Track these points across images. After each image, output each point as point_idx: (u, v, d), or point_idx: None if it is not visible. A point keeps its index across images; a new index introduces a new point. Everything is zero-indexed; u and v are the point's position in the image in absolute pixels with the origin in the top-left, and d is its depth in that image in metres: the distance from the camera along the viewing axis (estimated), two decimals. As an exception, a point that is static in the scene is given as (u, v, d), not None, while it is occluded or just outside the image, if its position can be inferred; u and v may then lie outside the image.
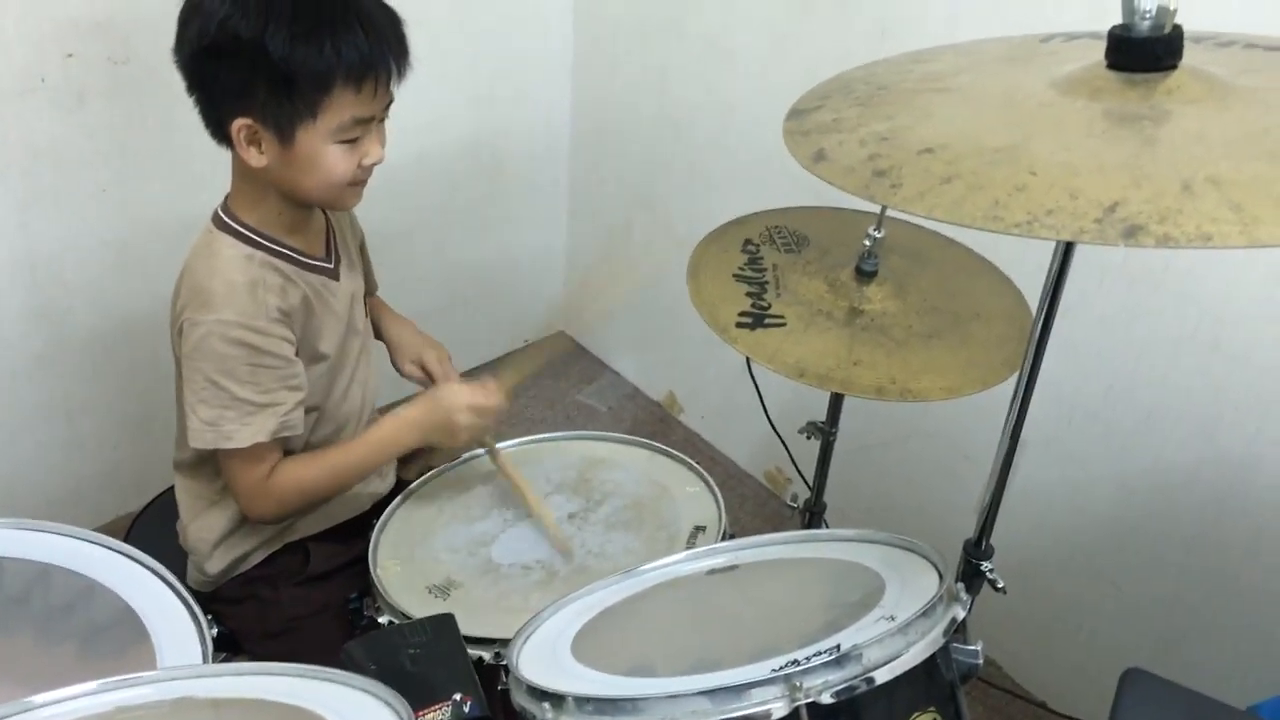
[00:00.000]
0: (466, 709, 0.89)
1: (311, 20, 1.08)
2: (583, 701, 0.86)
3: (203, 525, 1.30)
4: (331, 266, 1.29)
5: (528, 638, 1.04)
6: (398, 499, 1.37)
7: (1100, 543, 1.66)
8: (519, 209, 2.43)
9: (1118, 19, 0.84)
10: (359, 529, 1.34)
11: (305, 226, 1.26)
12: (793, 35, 1.82)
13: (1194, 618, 1.57)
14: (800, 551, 1.15)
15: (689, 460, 1.40)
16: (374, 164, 1.19)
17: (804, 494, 1.63)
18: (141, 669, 0.87)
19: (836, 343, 1.24)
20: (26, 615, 0.99)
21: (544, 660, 0.99)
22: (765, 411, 1.57)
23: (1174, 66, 0.83)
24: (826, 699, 0.82)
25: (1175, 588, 1.57)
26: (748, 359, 1.25)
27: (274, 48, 1.07)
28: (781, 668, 0.83)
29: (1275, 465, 1.42)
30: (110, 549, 1.04)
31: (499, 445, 1.40)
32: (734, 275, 1.34)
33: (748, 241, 1.40)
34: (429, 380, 1.46)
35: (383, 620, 1.19)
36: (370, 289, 1.47)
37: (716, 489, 1.33)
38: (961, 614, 0.92)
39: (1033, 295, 1.09)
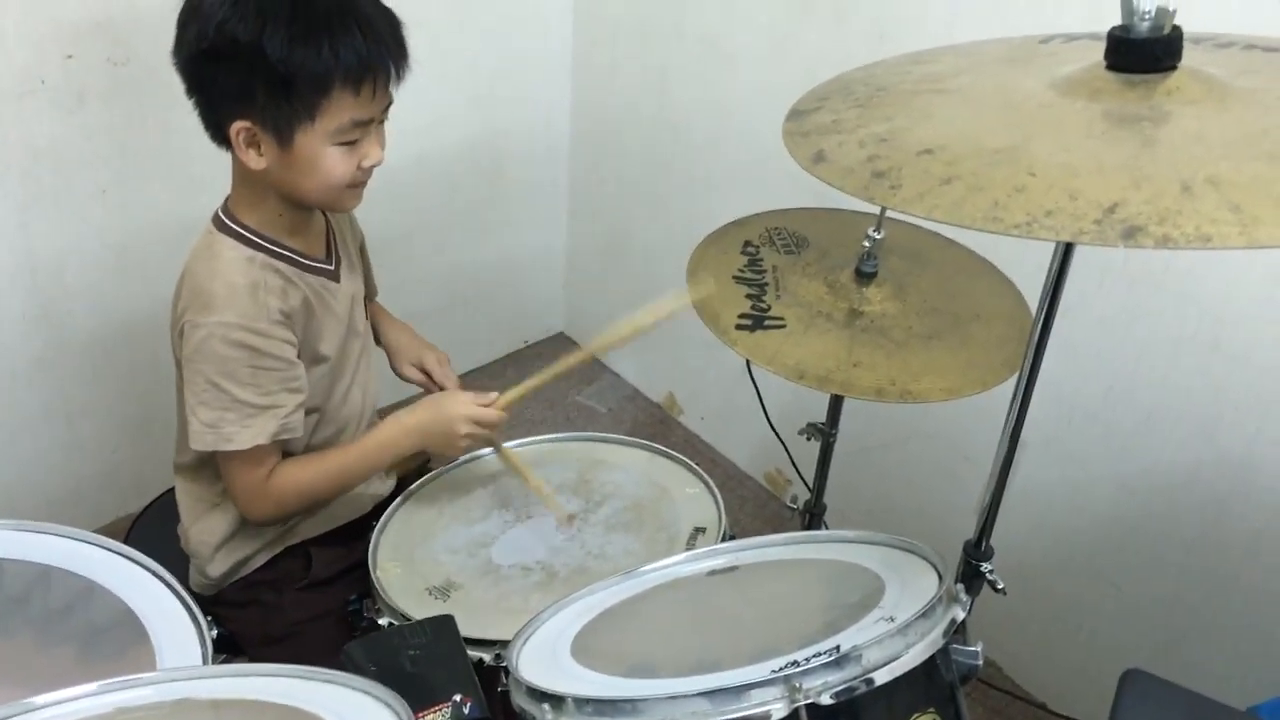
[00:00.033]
0: (466, 710, 0.89)
1: (309, 22, 1.07)
2: (582, 703, 0.86)
3: (204, 528, 1.30)
4: (332, 268, 1.29)
5: (527, 639, 1.04)
6: (397, 500, 1.37)
7: (1100, 543, 1.66)
8: (519, 210, 2.43)
9: (1117, 20, 0.84)
10: (360, 531, 1.34)
11: (305, 228, 1.26)
12: (792, 36, 1.82)
13: (1194, 618, 1.57)
14: (800, 553, 1.15)
15: (689, 462, 1.40)
16: (373, 165, 1.19)
17: (804, 495, 1.63)
18: (141, 670, 0.88)
19: (836, 344, 1.24)
20: (26, 616, 0.99)
21: (544, 661, 0.99)
22: (765, 413, 1.57)
23: (1173, 67, 0.83)
24: (826, 700, 0.82)
25: (1175, 588, 1.57)
26: (747, 361, 1.25)
27: (272, 50, 1.07)
28: (781, 669, 0.83)
29: (1275, 466, 1.42)
30: (110, 550, 1.04)
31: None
32: (734, 277, 1.34)
33: (747, 243, 1.40)
34: (429, 382, 1.46)
35: (383, 622, 1.19)
36: (370, 293, 1.47)
37: (716, 490, 1.33)
38: (961, 615, 0.92)
39: (1032, 296, 1.09)
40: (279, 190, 1.19)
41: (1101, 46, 0.86)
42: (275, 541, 1.32)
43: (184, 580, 1.06)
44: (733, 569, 1.12)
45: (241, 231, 1.20)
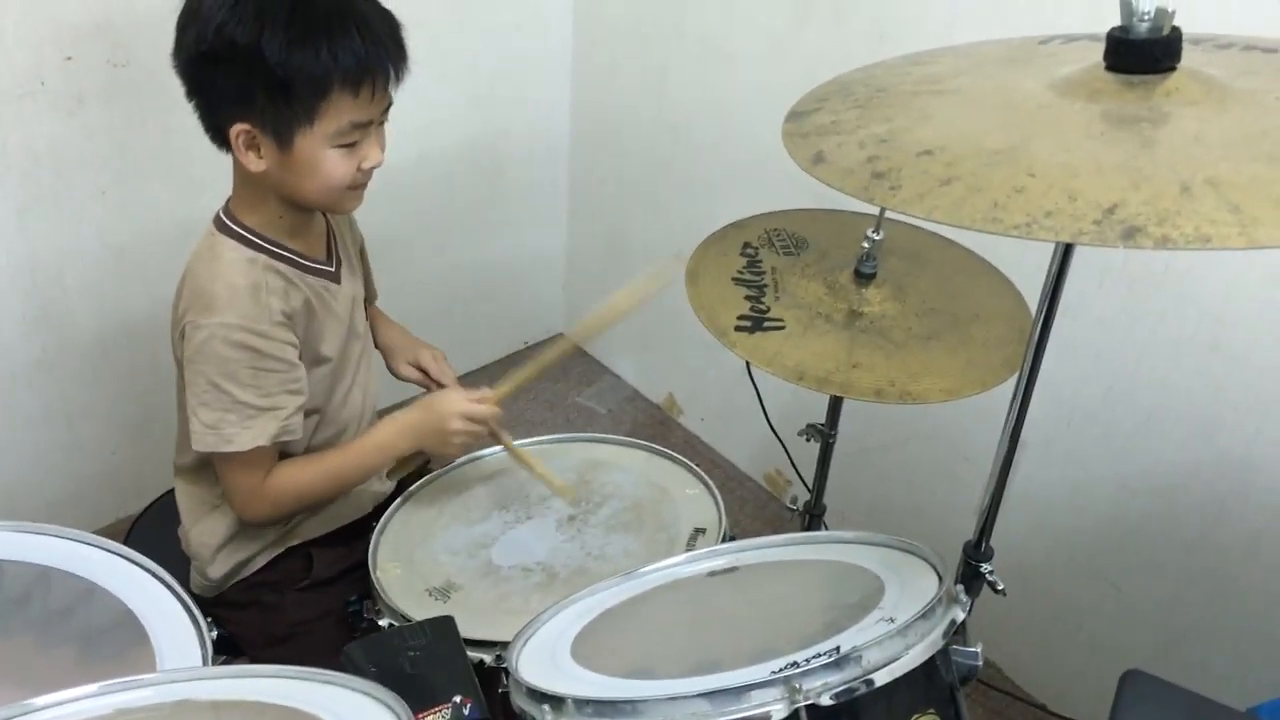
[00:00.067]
0: (466, 711, 0.89)
1: (307, 25, 1.07)
2: (582, 704, 0.87)
3: (204, 530, 1.30)
4: (332, 270, 1.29)
5: (527, 640, 1.04)
6: (398, 501, 1.37)
7: (1100, 544, 1.66)
8: (518, 211, 2.43)
9: (1116, 21, 0.84)
10: (361, 532, 1.34)
11: (306, 230, 1.26)
12: (791, 37, 1.82)
13: (1194, 619, 1.57)
14: (800, 553, 1.15)
15: (689, 463, 1.40)
16: (373, 167, 1.19)
17: (804, 496, 1.63)
18: (141, 671, 0.88)
19: (836, 345, 1.24)
20: (26, 618, 0.99)
21: (544, 662, 0.99)
22: (765, 414, 1.57)
23: (1172, 68, 0.84)
24: (826, 701, 0.82)
25: (1175, 589, 1.57)
26: (747, 362, 1.25)
27: (270, 53, 1.07)
28: (781, 669, 0.84)
29: (1275, 466, 1.42)
30: (110, 552, 1.05)
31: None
32: (733, 278, 1.34)
33: (747, 244, 1.41)
34: (426, 380, 1.46)
35: (383, 623, 1.19)
36: (370, 296, 1.47)
37: (716, 491, 1.33)
38: (961, 616, 0.92)
39: (1032, 296, 1.09)
40: (279, 192, 1.19)
41: (1101, 47, 0.86)
42: (276, 542, 1.32)
43: (184, 582, 1.06)
44: (732, 570, 1.12)
45: (243, 233, 1.20)
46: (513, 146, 2.32)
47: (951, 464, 1.82)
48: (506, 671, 0.98)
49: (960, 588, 0.95)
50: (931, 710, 0.88)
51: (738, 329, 1.26)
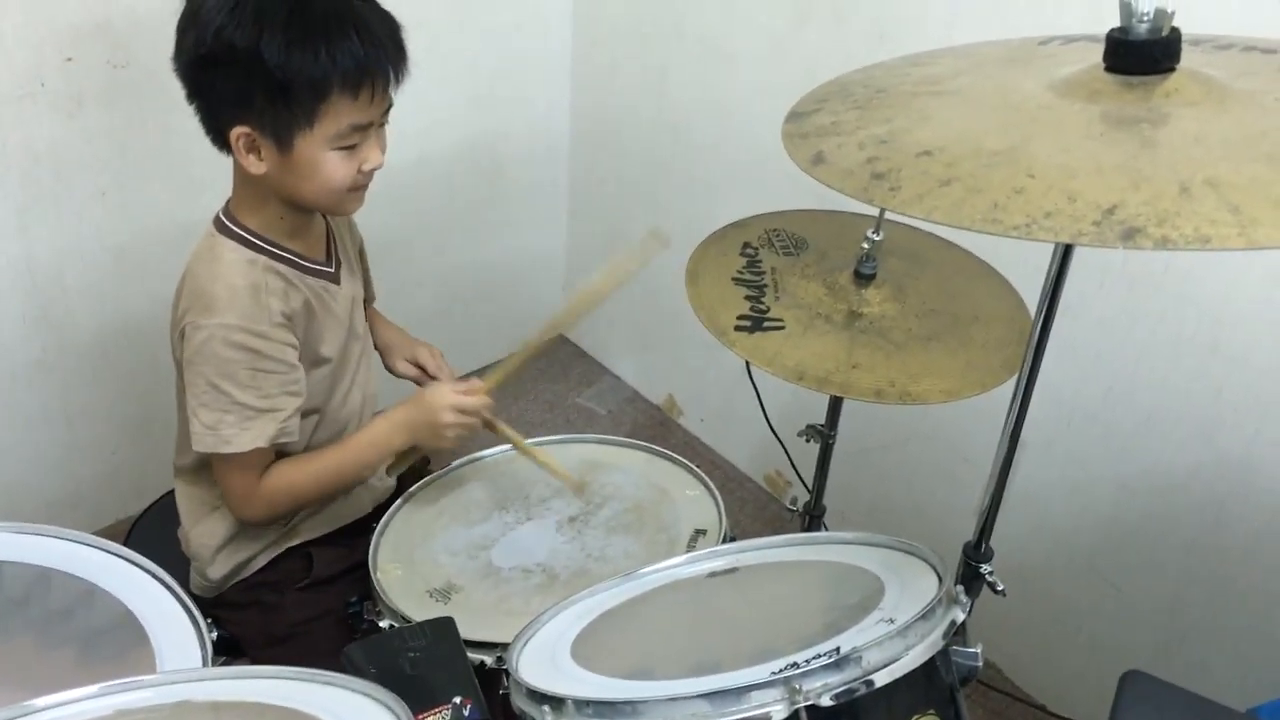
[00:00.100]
0: (466, 712, 0.89)
1: (306, 28, 1.07)
2: (582, 704, 0.87)
3: (204, 531, 1.30)
4: (332, 270, 1.29)
5: (528, 641, 1.04)
6: (398, 502, 1.37)
7: (1100, 545, 1.66)
8: (518, 211, 2.43)
9: (1116, 22, 0.84)
10: (361, 531, 1.34)
11: (306, 231, 1.26)
12: (791, 38, 1.82)
13: (1193, 619, 1.57)
14: (800, 554, 1.15)
15: (689, 464, 1.40)
16: (374, 169, 1.19)
17: (804, 497, 1.63)
18: (141, 672, 0.88)
19: (835, 346, 1.24)
20: (26, 619, 0.99)
21: (544, 663, 0.99)
22: (765, 415, 1.57)
23: (1172, 69, 0.84)
24: (826, 701, 0.82)
25: (1175, 589, 1.57)
26: (747, 362, 1.25)
27: (269, 56, 1.07)
28: (781, 670, 0.84)
29: (1274, 467, 1.42)
30: (110, 553, 1.05)
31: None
32: (733, 278, 1.34)
33: (746, 244, 1.41)
34: (423, 376, 1.46)
35: (383, 624, 1.19)
36: (369, 298, 1.47)
37: (717, 492, 1.33)
38: (961, 616, 0.92)
39: (1032, 297, 1.09)
40: (280, 194, 1.19)
41: (1100, 48, 0.86)
42: (276, 543, 1.32)
43: (184, 582, 1.06)
44: (732, 571, 1.12)
45: (242, 234, 1.20)
46: (513, 147, 2.32)
47: (951, 465, 1.82)
48: (507, 673, 0.98)
49: (960, 588, 0.95)
50: (931, 711, 0.88)
51: (738, 329, 1.26)
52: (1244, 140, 0.76)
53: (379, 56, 1.12)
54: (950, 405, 1.21)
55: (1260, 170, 0.72)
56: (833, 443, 1.53)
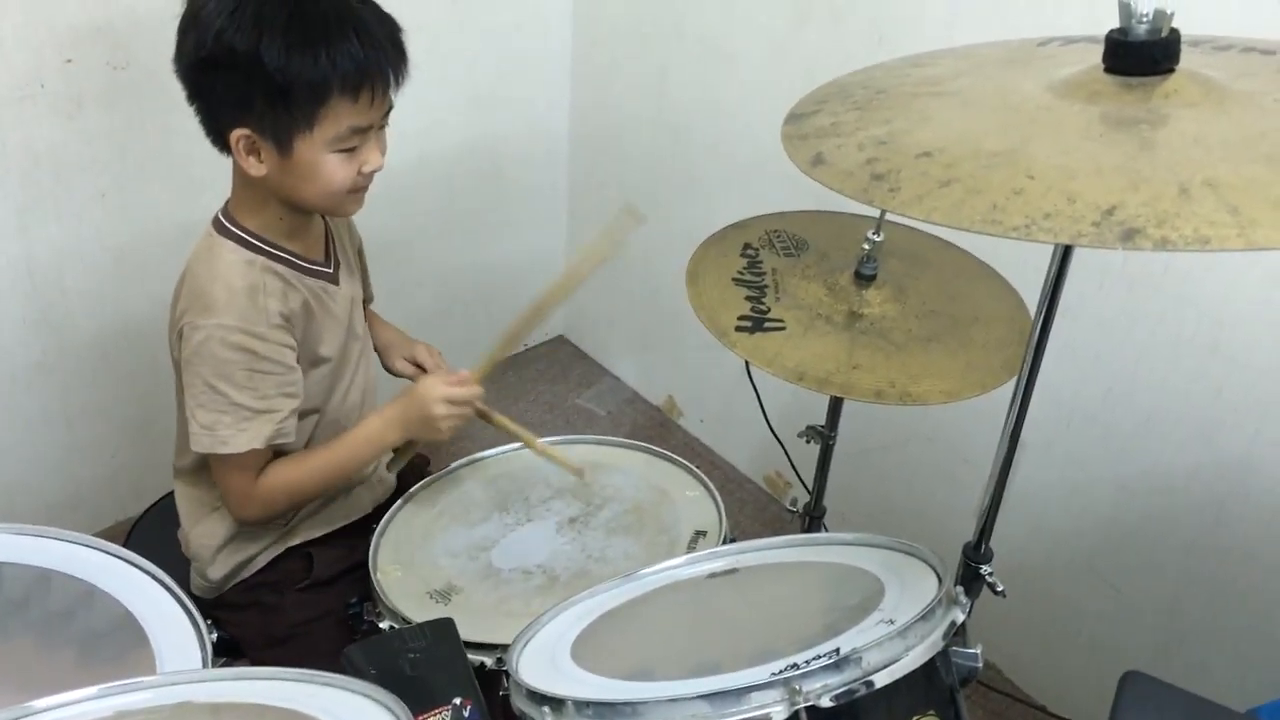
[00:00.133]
0: (466, 713, 0.89)
1: (306, 31, 1.07)
2: (582, 705, 0.87)
3: (204, 531, 1.30)
4: (331, 271, 1.29)
5: (528, 642, 1.04)
6: (398, 503, 1.37)
7: (1099, 545, 1.66)
8: (518, 213, 2.43)
9: (1115, 23, 0.85)
10: (361, 532, 1.34)
11: (305, 231, 1.26)
12: (791, 39, 1.82)
13: (1193, 620, 1.57)
14: (800, 555, 1.15)
15: (689, 465, 1.40)
16: (374, 171, 1.19)
17: (804, 498, 1.63)
18: (141, 674, 0.88)
19: (836, 346, 1.24)
20: (26, 620, 0.99)
21: (544, 664, 0.99)
22: (765, 415, 1.57)
23: (1171, 70, 0.84)
24: (826, 702, 0.82)
25: (1175, 590, 1.57)
26: (747, 363, 1.25)
27: (269, 59, 1.07)
28: (781, 671, 0.84)
29: (1274, 468, 1.42)
30: (110, 554, 1.05)
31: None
32: (733, 279, 1.34)
33: (747, 245, 1.41)
34: (420, 374, 1.46)
35: (383, 625, 1.19)
36: (367, 298, 1.47)
37: (717, 493, 1.33)
38: (961, 617, 0.92)
39: (1031, 298, 1.09)
40: (280, 196, 1.19)
41: (1099, 49, 0.86)
42: (276, 543, 1.32)
43: (184, 584, 1.06)
44: (732, 572, 1.12)
45: (241, 234, 1.20)
46: (513, 148, 2.32)
47: (951, 465, 1.82)
48: (507, 674, 0.98)
49: (960, 589, 0.95)
50: (931, 712, 0.88)
51: (738, 329, 1.26)
52: (1243, 141, 0.76)
53: (379, 59, 1.12)
54: (950, 406, 1.21)
55: (1259, 171, 0.72)
56: (833, 443, 1.53)
